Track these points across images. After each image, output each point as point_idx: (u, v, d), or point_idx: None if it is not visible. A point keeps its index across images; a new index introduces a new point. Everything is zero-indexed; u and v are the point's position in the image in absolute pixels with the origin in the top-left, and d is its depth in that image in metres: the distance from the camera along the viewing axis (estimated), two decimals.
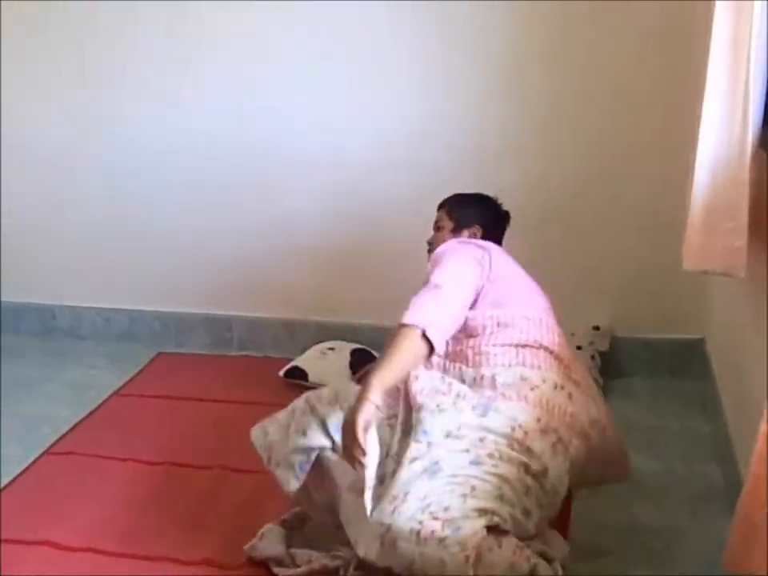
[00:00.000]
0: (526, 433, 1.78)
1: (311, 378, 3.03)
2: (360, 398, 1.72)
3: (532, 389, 1.85)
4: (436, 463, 1.72)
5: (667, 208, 2.71)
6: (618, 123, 2.88)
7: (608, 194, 2.96)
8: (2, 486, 2.49)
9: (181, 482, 2.48)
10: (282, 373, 3.10)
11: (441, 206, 2.34)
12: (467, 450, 1.75)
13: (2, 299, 3.63)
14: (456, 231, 2.23)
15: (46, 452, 2.68)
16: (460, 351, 1.95)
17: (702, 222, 1.86)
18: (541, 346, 1.94)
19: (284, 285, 3.33)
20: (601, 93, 2.88)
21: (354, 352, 3.11)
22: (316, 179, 3.18)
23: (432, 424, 1.76)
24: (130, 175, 3.36)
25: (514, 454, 1.76)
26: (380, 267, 3.20)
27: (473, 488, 1.71)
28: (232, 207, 3.30)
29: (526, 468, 1.76)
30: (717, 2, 1.77)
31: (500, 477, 1.74)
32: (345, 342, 3.20)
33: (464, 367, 1.92)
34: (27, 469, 2.58)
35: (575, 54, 2.86)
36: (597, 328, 2.98)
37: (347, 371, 3.03)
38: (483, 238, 2.19)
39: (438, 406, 1.79)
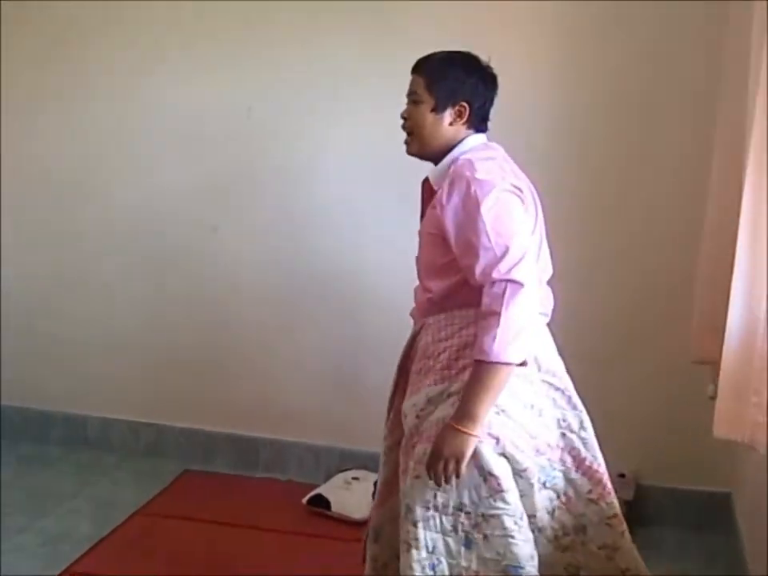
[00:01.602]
0: (497, 478, 1.75)
1: (334, 507, 3.03)
2: (466, 433, 1.69)
3: (497, 413, 1.76)
4: (432, 552, 1.77)
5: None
6: (639, 264, 2.97)
7: (637, 341, 3.00)
8: None
9: None
10: (305, 500, 3.11)
11: (416, 70, 1.91)
12: (454, 530, 1.77)
13: (34, 407, 3.70)
14: (437, 110, 1.86)
15: (64, 571, 2.68)
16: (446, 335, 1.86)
17: (732, 392, 1.89)
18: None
19: (311, 410, 3.37)
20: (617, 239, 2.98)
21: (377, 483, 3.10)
22: (348, 309, 3.27)
23: (412, 498, 1.80)
24: (171, 295, 3.48)
25: (497, 506, 1.75)
26: None
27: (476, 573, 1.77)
28: (266, 332, 3.38)
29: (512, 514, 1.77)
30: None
31: (496, 541, 1.75)
32: (369, 472, 3.20)
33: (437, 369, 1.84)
34: None
35: (606, 195, 2.98)
36: (622, 476, 2.96)
37: (370, 503, 3.02)
38: (470, 115, 1.88)
39: (413, 470, 1.80)
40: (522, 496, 1.79)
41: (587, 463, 1.88)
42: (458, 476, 1.72)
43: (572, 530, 1.88)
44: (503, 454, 1.76)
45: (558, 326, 2.91)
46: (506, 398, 1.75)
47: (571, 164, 2.95)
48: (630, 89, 2.88)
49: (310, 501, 3.09)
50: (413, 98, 1.90)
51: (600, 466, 1.90)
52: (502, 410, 1.76)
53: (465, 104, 1.87)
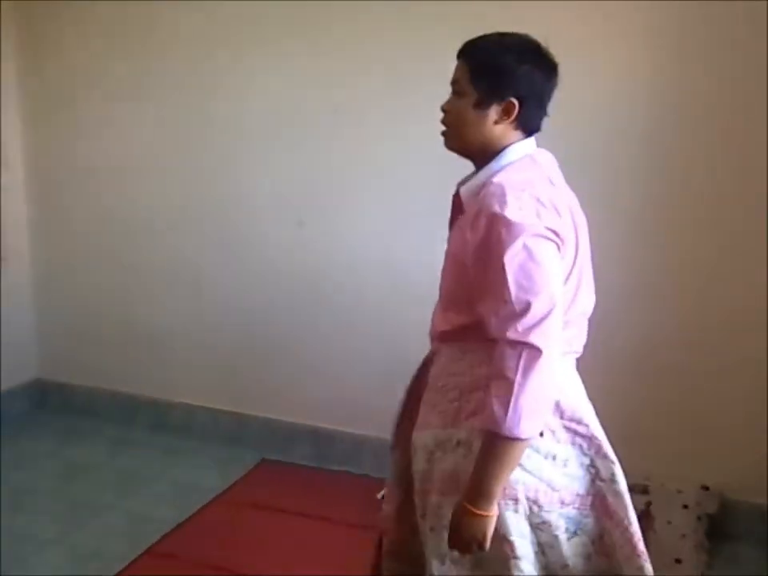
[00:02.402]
0: (512, 543, 1.62)
1: None
2: (483, 515, 1.56)
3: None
4: None
5: None
6: (729, 278, 2.87)
7: (722, 352, 2.91)
8: None
9: None
10: (379, 496, 3.12)
11: (461, 55, 1.66)
12: None
13: (120, 390, 3.85)
14: (481, 106, 1.61)
15: (147, 551, 2.80)
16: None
17: None
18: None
19: (390, 407, 3.36)
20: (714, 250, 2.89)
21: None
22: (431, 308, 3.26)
23: (429, 549, 1.71)
24: (257, 287, 3.54)
25: (511, 572, 1.63)
26: None
27: None
28: (347, 328, 3.41)
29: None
30: None
31: None
32: None
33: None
34: (129, 566, 2.71)
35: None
36: (706, 488, 2.88)
37: None
38: (520, 113, 1.61)
39: (428, 521, 1.70)
40: (549, 548, 1.66)
41: (616, 517, 1.68)
42: (482, 550, 1.60)
43: None
44: (521, 513, 1.64)
45: (654, 337, 2.90)
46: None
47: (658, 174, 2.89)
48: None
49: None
50: (455, 88, 1.65)
51: (631, 525, 1.68)
52: (519, 465, 1.59)
53: (514, 100, 1.60)
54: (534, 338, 1.47)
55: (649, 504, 2.83)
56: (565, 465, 1.65)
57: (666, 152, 2.84)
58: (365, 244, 3.33)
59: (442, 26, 3.00)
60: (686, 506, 2.81)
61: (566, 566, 1.68)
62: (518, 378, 1.46)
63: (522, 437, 1.49)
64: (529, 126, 1.66)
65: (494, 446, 1.52)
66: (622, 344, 2.96)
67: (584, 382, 3.09)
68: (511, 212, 1.50)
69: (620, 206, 2.90)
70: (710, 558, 2.76)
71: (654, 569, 1.93)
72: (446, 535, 1.64)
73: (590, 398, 2.96)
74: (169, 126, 3.57)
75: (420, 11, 3.04)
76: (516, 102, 1.60)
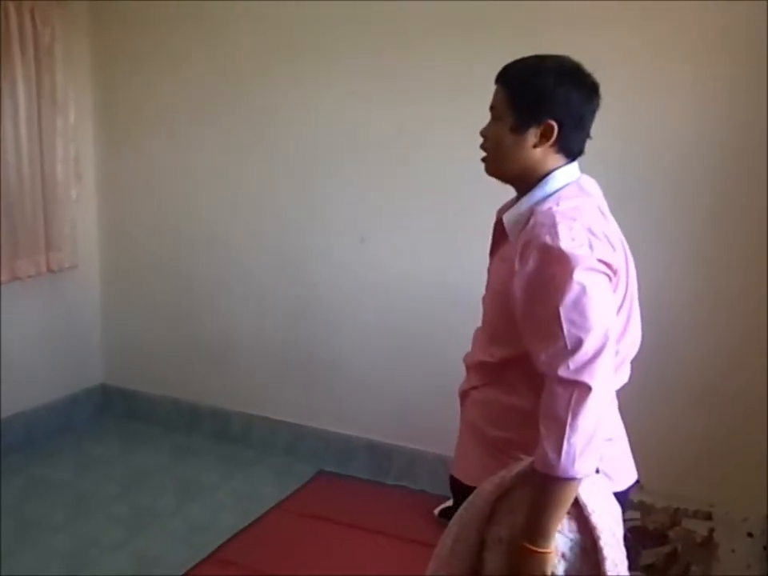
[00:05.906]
0: None
1: None
2: (542, 553, 1.53)
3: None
4: None
5: None
6: None
7: None
8: None
9: None
10: (437, 512, 3.13)
11: (498, 79, 1.61)
12: None
13: (182, 398, 3.93)
14: (518, 130, 1.55)
15: (206, 559, 2.85)
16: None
17: None
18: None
19: (447, 423, 3.35)
20: None
21: None
22: None
23: None
24: (318, 301, 3.59)
25: None
26: None
27: None
28: (407, 344, 3.42)
29: None
30: None
31: None
32: None
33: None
34: (188, 573, 2.76)
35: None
36: None
37: None
38: (560, 136, 1.55)
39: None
40: None
41: None
42: None
43: None
44: None
45: (719, 363, 2.86)
46: (607, 532, 1.57)
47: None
48: None
49: (441, 513, 3.11)
50: (493, 113, 1.61)
51: None
52: (563, 557, 1.57)
53: (552, 122, 1.54)
54: (585, 376, 1.42)
55: (712, 531, 2.78)
56: (590, 552, 1.60)
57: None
58: (423, 263, 3.34)
59: (509, 48, 3.00)
60: (750, 535, 2.74)
61: None
62: (570, 418, 1.42)
63: (578, 476, 1.46)
64: (570, 149, 1.59)
65: (549, 487, 1.49)
66: (686, 370, 2.92)
67: (648, 408, 3.08)
68: (564, 243, 1.45)
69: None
70: None
71: None
72: None
73: (654, 425, 2.96)
74: (234, 142, 3.65)
75: (485, 35, 3.05)
76: (555, 125, 1.54)
